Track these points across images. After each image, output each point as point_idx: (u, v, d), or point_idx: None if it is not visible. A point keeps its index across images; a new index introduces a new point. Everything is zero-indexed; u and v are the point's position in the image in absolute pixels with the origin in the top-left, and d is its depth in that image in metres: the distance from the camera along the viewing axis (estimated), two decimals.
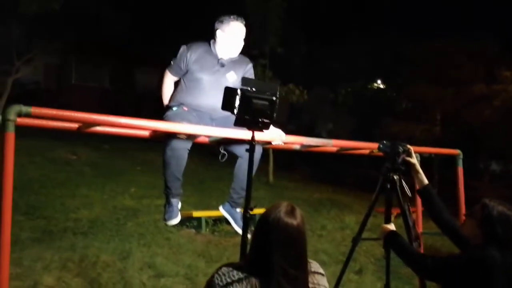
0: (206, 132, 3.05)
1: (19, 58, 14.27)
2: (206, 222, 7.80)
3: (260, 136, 2.98)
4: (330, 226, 9.19)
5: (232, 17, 3.35)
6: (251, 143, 2.48)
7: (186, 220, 7.81)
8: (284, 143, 3.58)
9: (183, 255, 6.47)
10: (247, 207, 2.52)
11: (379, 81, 20.49)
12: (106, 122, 2.72)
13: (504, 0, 17.32)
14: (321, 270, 1.96)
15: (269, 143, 3.37)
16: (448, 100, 15.31)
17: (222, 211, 3.53)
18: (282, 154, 12.38)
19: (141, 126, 2.83)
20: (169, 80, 3.47)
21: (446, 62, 15.05)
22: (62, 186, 9.06)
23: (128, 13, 15.89)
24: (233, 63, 3.41)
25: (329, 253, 7.43)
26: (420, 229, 4.53)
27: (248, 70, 3.46)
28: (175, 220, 3.29)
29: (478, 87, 14.60)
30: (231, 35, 3.33)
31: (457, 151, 4.37)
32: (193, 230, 7.68)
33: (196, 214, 7.74)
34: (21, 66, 14.44)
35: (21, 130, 2.45)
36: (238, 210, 3.42)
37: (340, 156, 4.33)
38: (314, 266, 1.95)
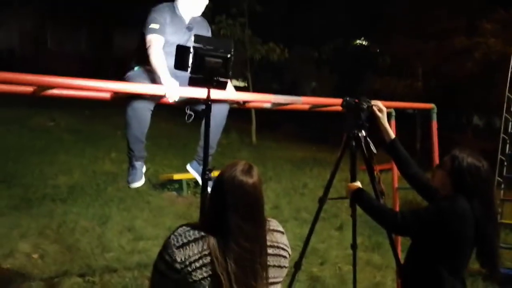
0: (164, 91, 2.95)
1: None
2: (188, 184, 7.76)
3: (219, 95, 2.89)
4: (312, 184, 9.23)
5: None
6: (207, 102, 2.41)
7: (168, 183, 7.81)
8: (254, 101, 3.53)
9: (164, 217, 6.48)
10: (205, 169, 2.49)
11: (362, 38, 20.24)
12: (60, 84, 2.61)
13: None
14: (280, 228, 1.94)
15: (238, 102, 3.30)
16: (429, 54, 15.11)
17: (189, 170, 3.46)
18: (265, 114, 12.28)
19: (97, 87, 2.72)
20: (159, 45, 3.09)
21: (426, 15, 14.78)
22: (40, 153, 8.94)
23: None
24: (196, 24, 3.32)
25: (311, 211, 7.48)
26: (396, 184, 4.56)
27: (208, 32, 3.38)
28: (139, 183, 3.24)
29: (459, 39, 14.36)
30: None
31: (431, 105, 4.29)
32: (174, 193, 7.67)
33: (176, 176, 7.69)
34: None
35: None
36: None
37: (323, 113, 4.25)
38: (273, 224, 1.93)
